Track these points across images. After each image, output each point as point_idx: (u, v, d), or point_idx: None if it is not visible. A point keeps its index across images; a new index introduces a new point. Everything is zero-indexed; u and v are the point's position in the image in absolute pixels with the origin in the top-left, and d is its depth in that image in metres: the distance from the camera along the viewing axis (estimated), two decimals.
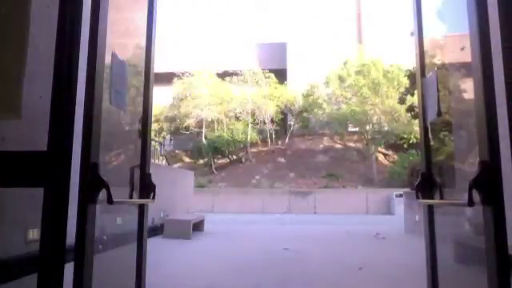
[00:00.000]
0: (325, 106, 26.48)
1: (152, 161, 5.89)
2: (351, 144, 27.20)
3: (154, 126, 25.04)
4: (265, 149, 27.67)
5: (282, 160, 26.98)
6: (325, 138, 27.87)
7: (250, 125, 26.47)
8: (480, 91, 1.52)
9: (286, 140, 28.28)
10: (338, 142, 27.71)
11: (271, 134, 28.06)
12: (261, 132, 27.53)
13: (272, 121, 27.53)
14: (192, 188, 11.48)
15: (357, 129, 26.54)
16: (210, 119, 26.92)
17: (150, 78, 2.04)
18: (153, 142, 11.99)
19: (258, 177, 25.59)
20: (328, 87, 26.64)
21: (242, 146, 26.74)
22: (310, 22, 29.25)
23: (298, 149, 27.75)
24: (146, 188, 1.90)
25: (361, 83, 24.82)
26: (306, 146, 27.84)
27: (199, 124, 27.04)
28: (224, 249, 6.49)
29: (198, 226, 8.42)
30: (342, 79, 25.69)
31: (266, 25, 30.97)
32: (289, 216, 16.50)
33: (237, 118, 27.25)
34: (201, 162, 27.10)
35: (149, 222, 3.45)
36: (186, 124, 26.96)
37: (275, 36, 30.34)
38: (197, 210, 12.13)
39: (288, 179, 24.95)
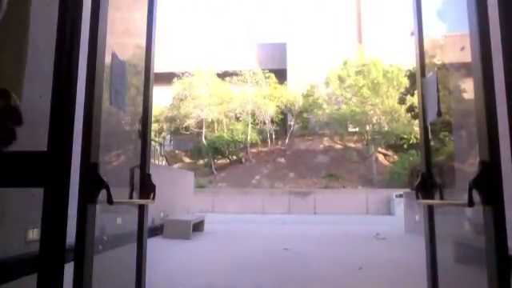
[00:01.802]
0: (325, 106, 26.48)
1: (152, 161, 5.92)
2: (351, 144, 27.22)
3: (154, 127, 24.99)
4: (265, 149, 27.70)
5: (282, 160, 26.97)
6: (325, 139, 27.85)
7: (249, 125, 26.43)
8: (480, 91, 1.52)
9: (286, 140, 28.31)
10: (338, 142, 27.68)
11: (271, 135, 28.04)
12: (261, 132, 27.49)
13: (272, 121, 27.48)
14: (192, 188, 11.45)
15: (357, 129, 26.53)
16: (210, 119, 26.91)
17: (149, 78, 2.04)
18: (153, 143, 11.94)
19: (257, 177, 25.58)
20: (328, 87, 26.63)
21: (242, 146, 26.72)
22: (309, 22, 29.22)
23: (297, 149, 27.76)
24: (146, 188, 1.90)
25: (361, 83, 24.79)
26: (306, 146, 27.85)
27: (199, 124, 27.02)
28: (224, 249, 6.49)
29: (197, 227, 8.36)
30: (341, 79, 25.66)
31: (266, 25, 30.98)
32: (289, 216, 16.49)
33: (237, 119, 27.23)
34: (201, 162, 27.10)
35: (149, 222, 3.47)
36: (186, 124, 26.95)
37: (275, 36, 30.35)
38: (197, 210, 12.11)
39: (288, 179, 24.94)
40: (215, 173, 25.94)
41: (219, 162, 27.09)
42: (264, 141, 27.77)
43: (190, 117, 26.68)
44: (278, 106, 27.21)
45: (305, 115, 27.52)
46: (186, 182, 10.61)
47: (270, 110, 26.88)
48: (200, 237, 7.77)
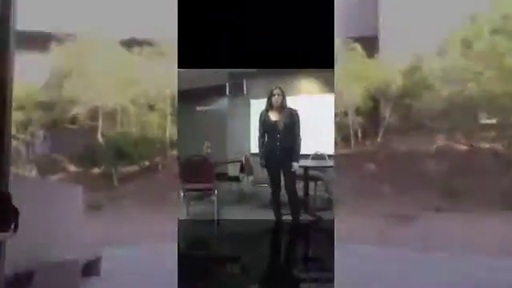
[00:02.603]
0: (438, 86, 21.77)
1: (14, 171, 5.54)
2: (484, 144, 22.03)
3: (17, 116, 20.21)
4: (344, 151, 23.89)
5: (372, 167, 22.64)
6: (439, 136, 23.11)
7: (168, 116, 20.13)
8: None
9: (378, 138, 23.81)
10: (462, 140, 22.84)
11: (356, 131, 24.02)
12: (340, 128, 23.48)
13: (357, 111, 23.42)
14: (80, 210, 8.82)
15: (494, 121, 21.87)
16: (110, 106, 21.23)
17: (9, 38, 2.06)
18: (15, 142, 9.65)
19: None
20: (444, 58, 21.98)
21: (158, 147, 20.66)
22: None
23: (395, 151, 23.36)
24: (3, 215, 1.93)
25: (501, 47, 19.61)
26: (409, 146, 23.15)
27: (93, 114, 21.87)
28: None
29: (90, 269, 6.84)
30: (467, 44, 20.80)
31: None
32: (380, 249, 11.75)
33: (150, 107, 21.23)
34: (95, 171, 22.20)
35: (8, 269, 2.59)
36: (71, 114, 21.22)
37: None
38: (90, 241, 9.41)
39: (380, 196, 20.70)
40: (117, 185, 20.95)
41: (124, 170, 21.75)
42: (346, 139, 23.93)
43: (77, 102, 21.01)
44: (365, 88, 23.14)
45: (406, 101, 23.24)
46: (69, 201, 8.37)
47: (354, 96, 22.91)
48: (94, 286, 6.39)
